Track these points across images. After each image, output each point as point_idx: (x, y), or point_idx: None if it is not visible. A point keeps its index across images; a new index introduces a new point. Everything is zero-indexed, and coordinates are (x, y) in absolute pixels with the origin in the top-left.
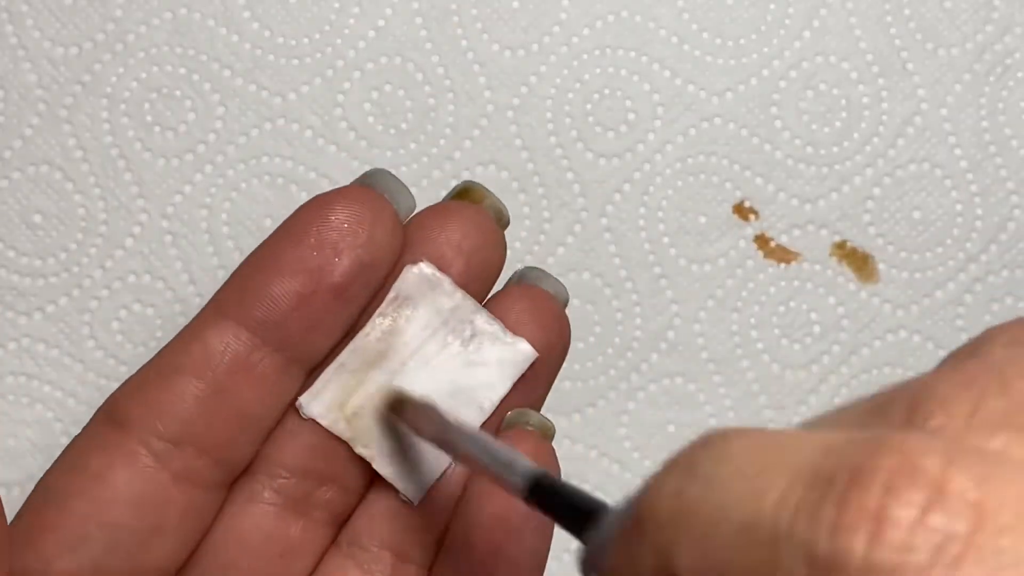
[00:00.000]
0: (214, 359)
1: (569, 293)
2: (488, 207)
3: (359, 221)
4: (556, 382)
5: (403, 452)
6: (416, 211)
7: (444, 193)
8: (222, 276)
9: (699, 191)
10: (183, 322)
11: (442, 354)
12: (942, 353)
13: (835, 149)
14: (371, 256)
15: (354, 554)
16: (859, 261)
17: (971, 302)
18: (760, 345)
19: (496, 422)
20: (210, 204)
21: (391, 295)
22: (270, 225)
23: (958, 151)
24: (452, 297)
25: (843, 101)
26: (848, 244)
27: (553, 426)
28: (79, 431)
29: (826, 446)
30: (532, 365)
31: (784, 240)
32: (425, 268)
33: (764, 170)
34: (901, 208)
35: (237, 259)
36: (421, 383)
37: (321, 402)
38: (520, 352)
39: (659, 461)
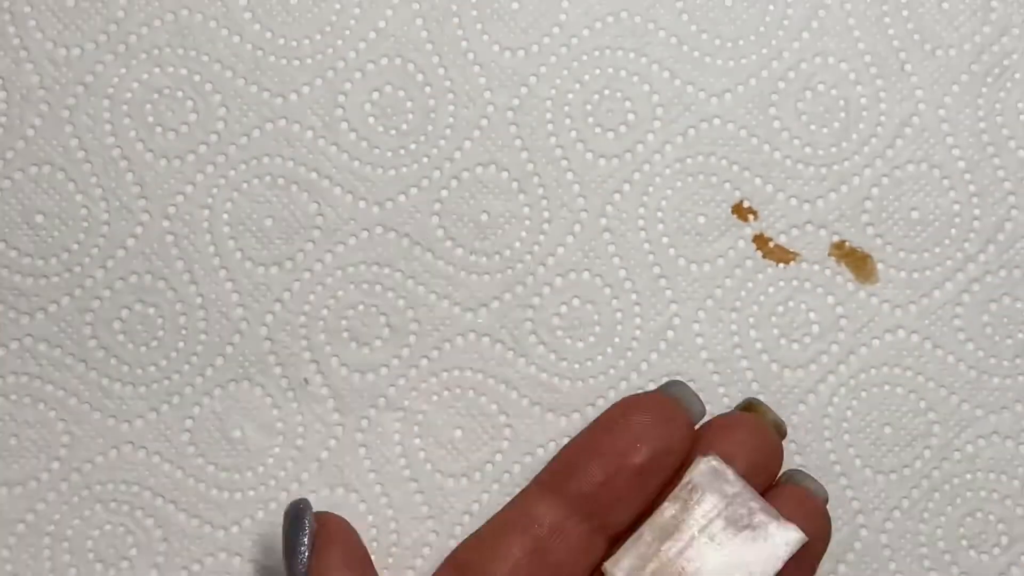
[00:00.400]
0: (537, 522)
1: (569, 294)
2: (768, 422)
3: (658, 419)
4: (556, 381)
5: None
6: (708, 417)
7: (445, 193)
8: (223, 276)
9: (698, 191)
10: (184, 322)
11: (725, 532)
12: (940, 353)
13: (834, 150)
14: (665, 447)
15: None
16: (858, 261)
17: (969, 302)
18: (759, 345)
19: None
20: (211, 204)
21: (684, 480)
22: (271, 225)
23: (956, 151)
24: (734, 485)
25: (842, 102)
26: (847, 244)
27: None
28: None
29: None
30: (799, 551)
31: (783, 240)
32: (713, 460)
33: (763, 170)
34: (899, 208)
35: (239, 259)
36: (707, 557)
37: (622, 566)
38: (792, 535)
39: None
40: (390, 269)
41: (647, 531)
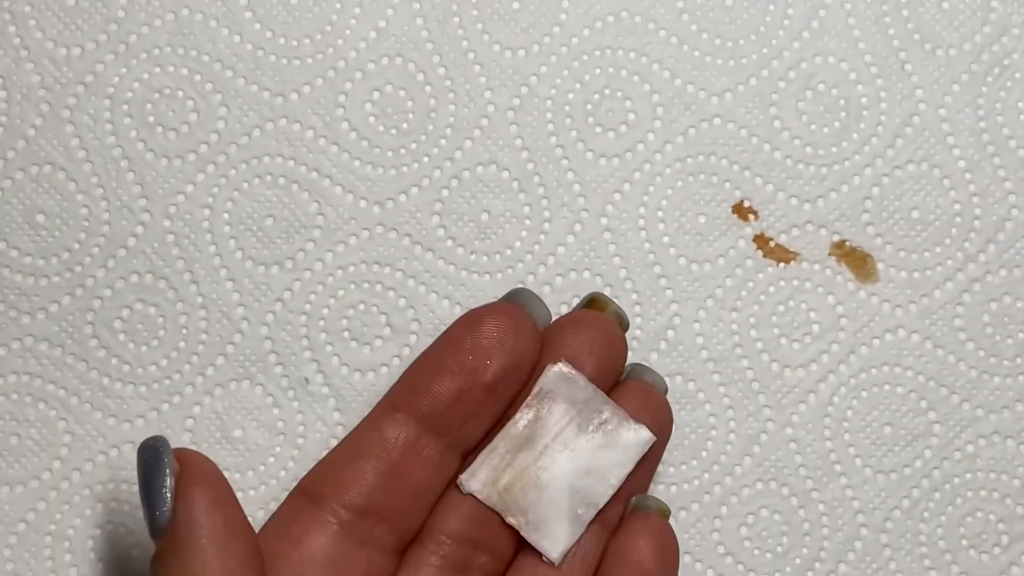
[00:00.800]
0: (389, 444)
1: (569, 294)
2: (611, 314)
3: (506, 331)
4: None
5: (546, 521)
6: (553, 320)
7: (445, 192)
8: (224, 275)
9: (699, 191)
10: (185, 321)
11: (578, 438)
12: (940, 352)
13: (834, 149)
14: (515, 360)
15: None
16: (858, 261)
17: (970, 301)
18: (759, 344)
19: (622, 497)
20: (212, 204)
21: (535, 389)
22: (272, 225)
23: (956, 151)
24: (585, 390)
25: (842, 101)
26: (847, 244)
27: (668, 508)
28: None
29: None
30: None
31: (783, 240)
32: (563, 367)
33: (763, 170)
34: (900, 208)
35: (240, 259)
36: (561, 462)
37: (478, 480)
38: (642, 437)
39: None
40: (391, 269)
41: (501, 443)
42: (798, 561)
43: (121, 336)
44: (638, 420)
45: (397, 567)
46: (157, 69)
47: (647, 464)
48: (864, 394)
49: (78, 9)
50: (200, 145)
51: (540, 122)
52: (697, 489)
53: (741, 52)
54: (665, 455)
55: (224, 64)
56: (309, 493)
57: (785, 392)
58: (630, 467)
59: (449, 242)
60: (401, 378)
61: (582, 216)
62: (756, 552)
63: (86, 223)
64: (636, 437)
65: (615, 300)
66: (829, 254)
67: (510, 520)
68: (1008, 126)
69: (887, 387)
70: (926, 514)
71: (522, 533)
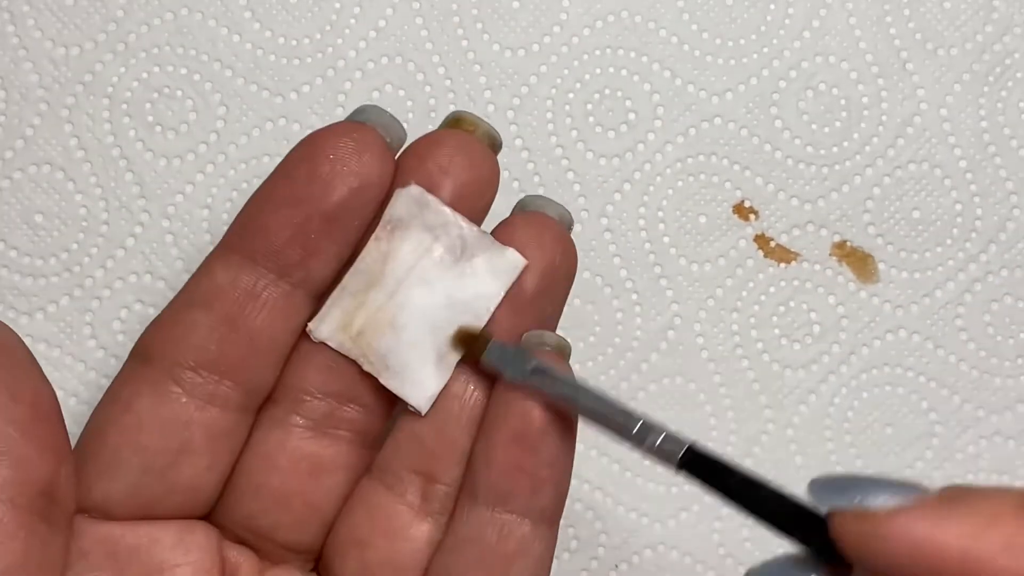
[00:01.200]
0: (222, 290)
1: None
2: (481, 135)
3: (347, 152)
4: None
5: (407, 365)
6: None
7: None
8: None
9: (699, 191)
10: None
11: (436, 269)
12: (942, 353)
13: (835, 149)
14: (360, 183)
15: (385, 479)
16: (859, 261)
17: (971, 302)
18: (760, 345)
19: (492, 328)
20: (211, 204)
21: (384, 219)
22: None
23: (958, 151)
24: (441, 215)
25: (843, 101)
26: (848, 244)
27: (569, 344)
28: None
29: None
30: (539, 285)
31: (784, 240)
32: (414, 190)
33: (764, 170)
34: (901, 208)
35: None
36: (418, 298)
37: (328, 325)
38: (509, 260)
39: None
40: None
41: (350, 281)
42: None
43: (120, 337)
44: (525, 255)
45: (252, 427)
46: (156, 68)
47: (537, 305)
48: (865, 395)
49: (77, 8)
50: (199, 145)
51: (540, 122)
52: (697, 490)
53: (742, 52)
54: None
55: (223, 64)
56: (140, 353)
57: (786, 393)
58: (499, 297)
59: None
60: (236, 216)
61: (582, 216)
62: (757, 554)
63: (84, 223)
64: (504, 262)
65: (480, 120)
66: (830, 254)
67: (367, 368)
68: (1010, 126)
69: (888, 388)
70: None
71: (381, 381)
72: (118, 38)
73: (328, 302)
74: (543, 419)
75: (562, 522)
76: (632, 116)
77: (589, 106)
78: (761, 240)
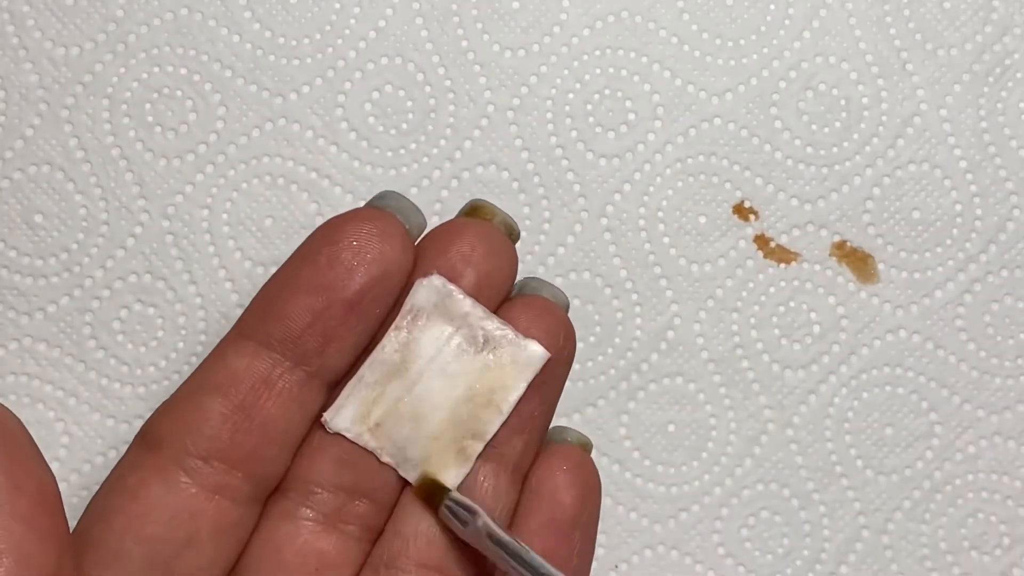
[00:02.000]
0: (237, 378)
1: (569, 294)
2: (498, 223)
3: (369, 239)
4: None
5: (427, 458)
6: (428, 230)
7: (445, 193)
8: (223, 276)
9: (699, 191)
10: (183, 322)
11: (458, 361)
12: (942, 353)
13: (835, 149)
14: (382, 271)
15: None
16: (859, 261)
17: (971, 302)
18: (760, 345)
19: (513, 423)
20: (211, 204)
21: (405, 308)
22: (271, 225)
23: (958, 151)
24: (463, 306)
25: (843, 101)
26: (848, 244)
27: (590, 441)
28: (113, 449)
29: None
30: (544, 368)
31: (784, 240)
32: (436, 280)
33: (764, 170)
34: (901, 208)
35: (238, 259)
36: (439, 389)
37: (345, 416)
38: (533, 353)
39: (659, 461)
40: None
41: (368, 371)
42: (799, 563)
43: (119, 337)
44: (530, 337)
45: (259, 519)
46: (156, 69)
47: (545, 389)
48: (865, 395)
49: (77, 8)
50: (199, 145)
51: (540, 122)
52: (697, 490)
53: (742, 52)
54: (665, 455)
55: (223, 64)
56: (148, 438)
57: (786, 393)
58: (521, 390)
59: None
60: (251, 302)
61: (582, 216)
62: (757, 553)
63: (84, 223)
64: (526, 355)
65: (497, 208)
66: (830, 255)
67: (386, 459)
68: (1009, 126)
69: (888, 388)
70: (927, 515)
71: (400, 472)
72: (118, 38)
73: (345, 392)
74: (575, 507)
75: None
76: (632, 116)
77: (589, 106)
78: (761, 240)
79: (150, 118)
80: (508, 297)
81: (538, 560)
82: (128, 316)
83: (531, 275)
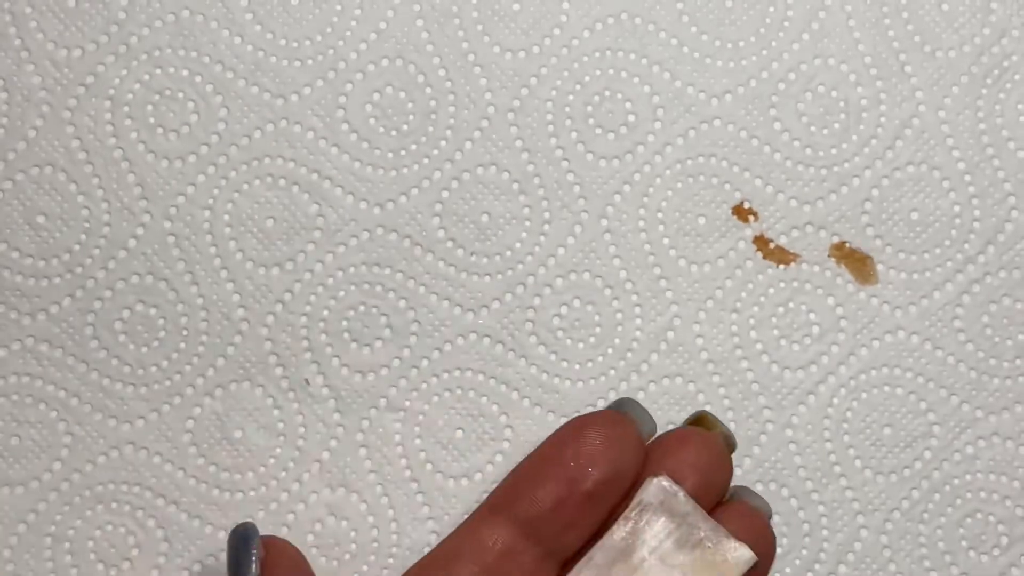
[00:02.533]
0: (486, 548)
1: (569, 295)
2: (718, 434)
3: (609, 440)
4: (558, 382)
5: None
6: (657, 434)
7: (445, 194)
8: (225, 277)
9: (698, 192)
10: (185, 323)
11: (677, 554)
12: (940, 354)
13: (834, 151)
14: (618, 469)
15: None
16: (858, 262)
17: (969, 303)
18: (759, 346)
19: None
20: (212, 205)
21: (635, 501)
22: (272, 226)
23: (956, 153)
24: (685, 506)
25: (842, 103)
26: (847, 245)
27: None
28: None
29: None
30: (751, 569)
31: (783, 241)
32: (664, 481)
33: (763, 172)
34: (899, 210)
35: (240, 260)
36: None
37: None
38: (742, 556)
39: None
40: (391, 270)
41: (598, 554)
42: (798, 562)
43: (121, 337)
44: (739, 539)
45: None
46: (158, 70)
47: None
48: (864, 395)
49: (79, 10)
50: (201, 146)
51: (540, 124)
52: None
53: (741, 54)
54: None
55: (225, 66)
56: None
57: (785, 393)
58: None
59: (449, 244)
60: (503, 481)
61: (582, 217)
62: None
63: (87, 224)
64: (736, 556)
65: (719, 421)
66: (829, 256)
67: None
68: (1007, 128)
69: (887, 388)
70: (926, 515)
71: None
72: (120, 40)
73: (575, 569)
74: None
75: None
76: (632, 118)
77: (589, 108)
78: (760, 241)
79: (152, 119)
80: (722, 501)
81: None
82: (130, 317)
83: (739, 485)
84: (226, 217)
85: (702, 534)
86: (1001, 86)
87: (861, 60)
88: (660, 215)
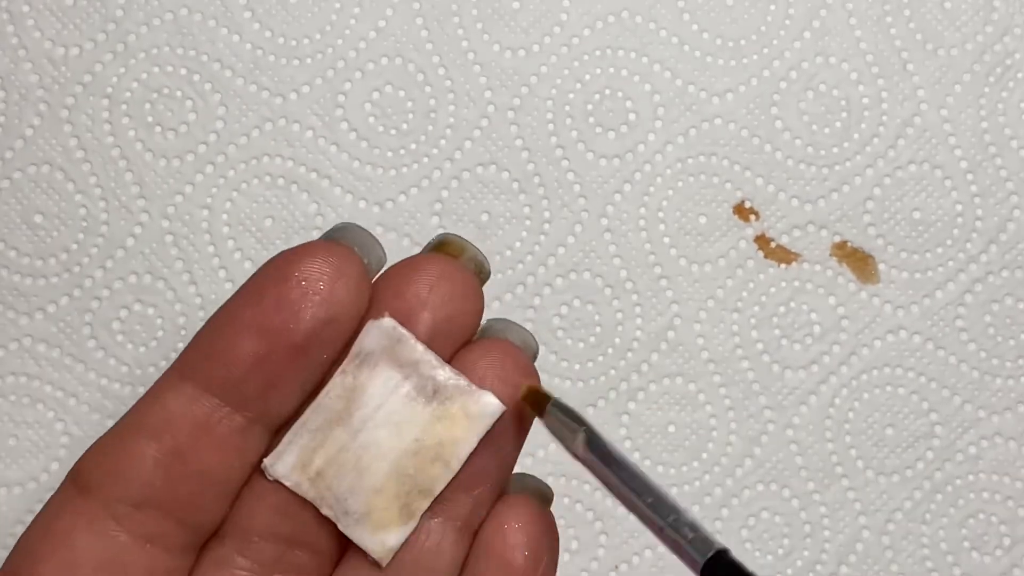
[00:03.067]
0: (173, 421)
1: (569, 295)
2: (467, 260)
3: (321, 277)
4: (558, 382)
5: (369, 512)
6: (388, 265)
7: (445, 193)
8: (223, 276)
9: (699, 192)
10: (183, 322)
11: (405, 410)
12: (942, 353)
13: (835, 150)
14: (332, 313)
15: None
16: (859, 262)
17: (971, 302)
18: (760, 345)
19: (463, 479)
20: (211, 204)
21: (353, 352)
22: (271, 225)
23: (958, 152)
24: (414, 352)
25: (843, 102)
26: (848, 245)
27: (551, 491)
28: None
29: None
30: (500, 420)
31: (784, 240)
32: (387, 323)
33: (764, 171)
34: (901, 209)
35: (238, 259)
36: (385, 440)
37: (285, 463)
38: (486, 405)
39: (659, 461)
40: None
41: (312, 416)
42: (799, 563)
43: (119, 337)
44: (483, 387)
45: (193, 567)
46: (156, 69)
47: (501, 441)
48: (865, 395)
49: (76, 9)
50: (199, 145)
51: (540, 122)
52: (698, 491)
53: (742, 52)
54: (665, 456)
55: (223, 64)
56: (79, 482)
57: (786, 393)
58: (472, 444)
59: None
60: (192, 340)
61: (582, 217)
62: (757, 554)
63: (84, 223)
64: (478, 407)
65: (468, 243)
66: (830, 255)
67: (325, 511)
68: (1010, 126)
69: (888, 388)
70: (928, 516)
71: (340, 527)
72: (118, 38)
73: (285, 439)
74: (527, 568)
75: (562, 523)
76: (632, 117)
77: (589, 106)
78: (761, 241)
79: (150, 118)
80: (469, 342)
81: (641, 472)
82: (128, 316)
83: (493, 318)
84: (224, 216)
85: (436, 384)
86: (1004, 84)
87: (863, 58)
88: (661, 214)
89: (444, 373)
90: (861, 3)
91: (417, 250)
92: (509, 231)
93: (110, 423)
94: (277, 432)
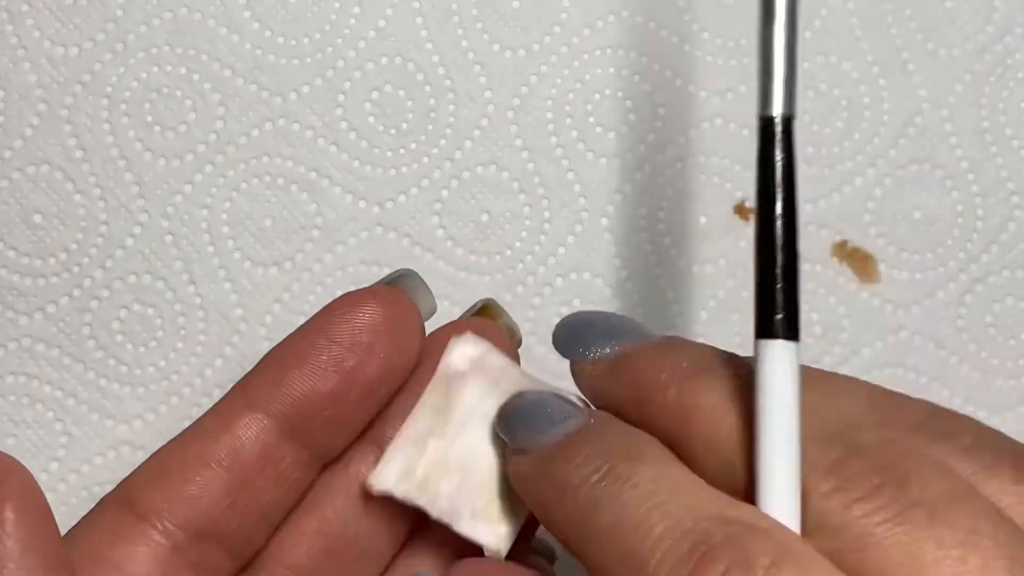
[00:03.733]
0: (243, 452)
1: (569, 294)
2: (502, 325)
3: (389, 325)
4: (558, 382)
5: (478, 508)
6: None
7: (445, 193)
8: (223, 276)
9: (700, 191)
10: (183, 322)
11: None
12: (943, 353)
13: (836, 149)
14: (399, 360)
15: None
16: (860, 261)
17: (972, 302)
18: None
19: None
20: (210, 204)
21: (440, 370)
22: (270, 225)
23: (959, 151)
24: (499, 360)
25: (844, 101)
26: (849, 244)
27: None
28: (93, 506)
29: (702, 516)
30: None
31: None
32: (470, 338)
33: None
34: (902, 208)
35: (238, 259)
36: (482, 442)
37: (388, 477)
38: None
39: None
40: (390, 269)
41: (406, 432)
42: None
43: (119, 337)
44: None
45: None
46: (155, 68)
47: None
48: None
49: (76, 8)
50: (198, 145)
51: (540, 122)
52: None
53: (742, 52)
54: None
55: (223, 63)
56: (136, 505)
57: None
58: None
59: (449, 243)
60: (261, 366)
61: (583, 217)
62: None
63: (84, 223)
64: None
65: (503, 311)
66: (831, 255)
67: (436, 515)
68: (1011, 126)
69: (889, 388)
70: None
71: (453, 527)
72: (117, 38)
73: (387, 454)
74: None
75: None
76: (632, 116)
77: (589, 106)
78: None
79: (149, 118)
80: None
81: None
82: (127, 316)
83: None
84: (224, 216)
85: (523, 387)
86: (1004, 84)
87: (863, 58)
88: (661, 214)
89: (528, 379)
90: (862, 2)
91: (418, 250)
92: (509, 231)
93: (110, 423)
94: (323, 470)
